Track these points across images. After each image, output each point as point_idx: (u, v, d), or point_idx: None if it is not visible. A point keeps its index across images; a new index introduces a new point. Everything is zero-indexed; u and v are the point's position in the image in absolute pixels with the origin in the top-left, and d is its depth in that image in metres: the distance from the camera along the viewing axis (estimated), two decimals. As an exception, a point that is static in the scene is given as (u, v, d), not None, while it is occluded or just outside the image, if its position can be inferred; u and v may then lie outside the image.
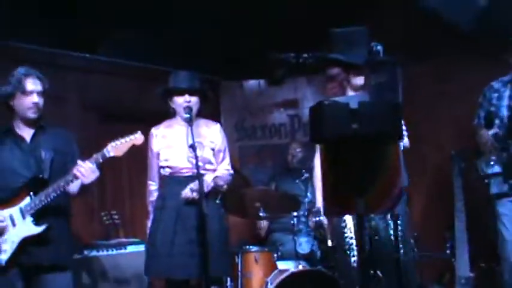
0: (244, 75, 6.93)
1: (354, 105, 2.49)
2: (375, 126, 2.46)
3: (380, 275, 3.69)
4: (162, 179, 4.52)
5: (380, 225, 4.00)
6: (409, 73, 3.47)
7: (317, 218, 4.27)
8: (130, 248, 5.11)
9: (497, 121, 4.71)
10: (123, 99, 6.13)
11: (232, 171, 4.63)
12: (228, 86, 6.89)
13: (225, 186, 4.52)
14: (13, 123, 4.01)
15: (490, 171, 4.57)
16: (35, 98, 3.92)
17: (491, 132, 4.71)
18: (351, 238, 3.94)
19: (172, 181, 4.40)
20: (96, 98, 5.88)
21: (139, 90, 6.25)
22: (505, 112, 4.68)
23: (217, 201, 4.46)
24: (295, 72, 6.68)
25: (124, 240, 5.23)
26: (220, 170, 4.54)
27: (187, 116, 4.26)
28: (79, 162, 3.80)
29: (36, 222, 3.83)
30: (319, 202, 4.25)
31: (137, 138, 3.89)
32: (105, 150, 3.82)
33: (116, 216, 5.37)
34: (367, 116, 2.46)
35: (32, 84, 3.92)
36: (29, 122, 4.00)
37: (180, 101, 4.37)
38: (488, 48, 4.73)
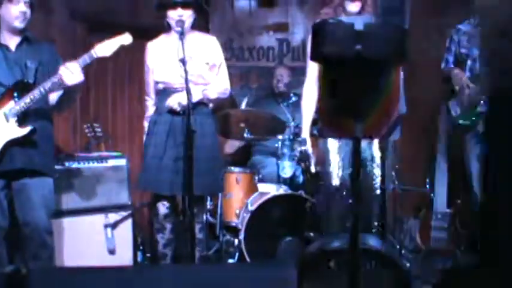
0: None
1: (359, 26, 2.41)
2: (379, 48, 2.39)
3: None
4: (157, 93, 4.46)
5: (367, 155, 4.01)
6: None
7: (303, 148, 4.24)
8: (112, 162, 5.04)
9: (469, 62, 4.76)
10: (114, 10, 5.96)
11: (228, 87, 4.56)
12: (218, 4, 6.74)
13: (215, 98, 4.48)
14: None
15: (479, 109, 4.57)
16: (22, 7, 3.83)
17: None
18: (331, 159, 3.96)
19: (166, 95, 4.34)
20: (85, 8, 5.70)
21: (132, 3, 6.08)
22: (476, 52, 4.71)
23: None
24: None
25: (105, 153, 5.16)
26: (215, 84, 4.46)
27: (179, 29, 4.17)
28: (66, 63, 3.73)
29: (20, 125, 3.77)
30: (306, 131, 4.22)
31: (125, 38, 3.85)
32: (92, 50, 3.78)
33: (99, 129, 5.29)
34: (372, 38, 2.38)
35: None
36: (14, 31, 3.91)
37: (173, 15, 4.28)
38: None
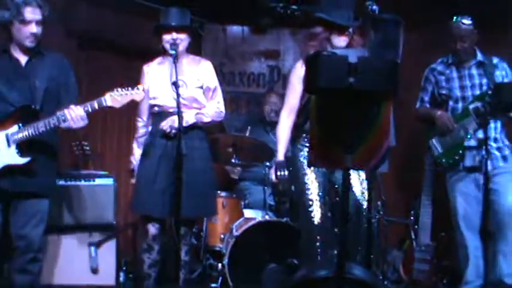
0: (228, 20, 6.82)
1: (352, 59, 2.46)
2: (371, 82, 2.44)
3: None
4: (152, 116, 4.49)
5: (354, 185, 4.03)
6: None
7: (281, 173, 4.23)
8: (99, 181, 5.06)
9: (451, 102, 4.80)
10: (106, 30, 6.00)
11: (223, 110, 4.59)
12: (211, 29, 6.79)
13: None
14: (10, 45, 3.95)
15: (466, 143, 4.63)
16: (34, 28, 3.86)
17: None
18: (311, 194, 3.97)
19: (161, 118, 4.37)
20: (79, 25, 5.74)
21: (123, 24, 6.13)
22: (458, 93, 4.77)
23: None
24: (281, 23, 6.67)
25: (93, 172, 5.17)
26: (209, 106, 4.50)
27: (173, 52, 4.21)
28: (72, 106, 3.77)
29: (21, 154, 3.80)
30: (281, 155, 4.23)
31: (138, 93, 3.87)
32: (102, 98, 3.83)
33: (87, 148, 5.30)
34: (365, 71, 2.43)
35: (31, 14, 3.83)
36: (25, 49, 3.94)
37: (167, 38, 4.33)
38: (478, 18, 4.72)
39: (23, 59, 3.97)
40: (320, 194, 3.96)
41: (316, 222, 3.91)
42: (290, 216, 5.09)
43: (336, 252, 3.64)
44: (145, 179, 4.36)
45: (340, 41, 3.97)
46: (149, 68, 4.52)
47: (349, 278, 2.58)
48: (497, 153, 4.64)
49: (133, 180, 4.51)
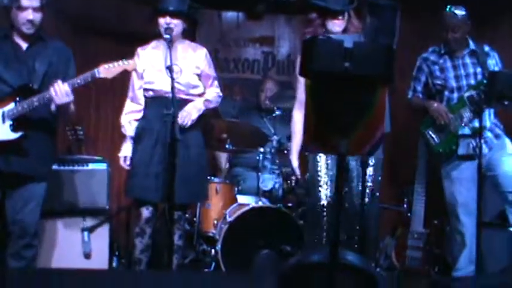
0: (224, 6, 6.79)
1: (348, 44, 2.45)
2: (367, 67, 2.43)
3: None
4: (146, 100, 4.48)
5: (354, 171, 4.04)
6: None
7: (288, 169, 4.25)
8: (92, 166, 5.05)
9: (446, 93, 4.80)
10: (101, 14, 5.96)
11: (221, 94, 4.65)
12: (206, 15, 6.75)
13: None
14: (11, 30, 3.96)
15: (460, 132, 4.64)
16: (30, 15, 3.86)
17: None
18: (320, 176, 3.99)
19: (156, 103, 4.38)
20: (72, 10, 5.71)
21: (119, 8, 6.09)
22: (453, 83, 4.77)
23: None
24: (276, 9, 6.65)
25: (86, 156, 5.16)
26: (210, 92, 4.52)
27: (167, 37, 4.20)
28: (58, 82, 3.76)
29: (14, 129, 3.79)
30: (294, 158, 4.28)
31: (130, 64, 3.94)
32: (96, 70, 3.84)
33: (81, 132, 5.29)
34: (361, 56, 2.42)
35: (28, 0, 3.83)
36: (25, 35, 3.95)
37: (162, 22, 4.32)
38: (476, 7, 4.73)
39: (23, 44, 3.98)
40: (329, 178, 3.97)
41: (323, 205, 3.92)
42: (283, 202, 5.10)
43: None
44: (139, 163, 4.37)
45: (335, 25, 3.96)
46: (144, 51, 4.50)
47: (343, 263, 2.58)
48: (490, 134, 4.69)
49: (125, 165, 4.51)
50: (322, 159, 4.02)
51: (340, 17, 3.96)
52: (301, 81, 4.15)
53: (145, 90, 4.44)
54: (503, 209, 4.79)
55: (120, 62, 3.89)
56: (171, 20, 4.31)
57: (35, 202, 4.00)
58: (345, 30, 4.00)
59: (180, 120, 4.23)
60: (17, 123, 3.81)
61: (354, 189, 4.01)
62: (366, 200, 3.93)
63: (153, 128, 4.36)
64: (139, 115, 4.50)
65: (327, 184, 3.99)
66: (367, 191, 3.99)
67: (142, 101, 4.50)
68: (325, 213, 3.96)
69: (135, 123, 4.50)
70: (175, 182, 3.88)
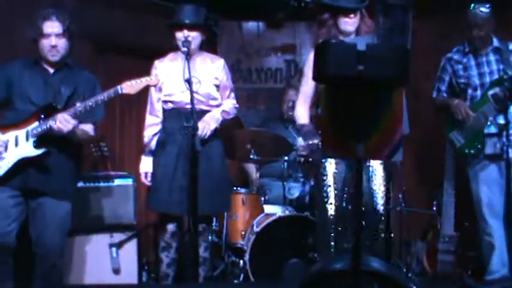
0: (243, 16, 6.79)
1: (361, 47, 2.42)
2: (381, 69, 2.39)
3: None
4: (165, 112, 4.48)
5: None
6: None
7: (312, 141, 4.11)
8: (118, 181, 5.06)
9: (470, 91, 4.75)
10: (121, 31, 6.00)
11: (237, 105, 4.65)
12: (226, 26, 6.77)
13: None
14: (41, 59, 4.04)
15: (486, 131, 4.57)
16: (53, 41, 3.94)
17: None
18: (329, 186, 3.92)
19: (175, 115, 4.38)
20: (93, 28, 5.75)
21: (139, 24, 6.13)
22: (476, 81, 4.72)
23: None
24: (295, 16, 6.63)
25: (112, 173, 5.18)
26: (227, 104, 4.53)
27: (185, 49, 4.20)
28: (61, 114, 3.80)
29: (37, 145, 3.84)
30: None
31: (153, 80, 3.95)
32: (119, 87, 3.87)
33: (105, 148, 5.31)
34: (374, 59, 2.38)
35: (49, 27, 3.94)
36: (51, 63, 4.02)
37: (179, 36, 4.33)
38: (494, 6, 4.66)
39: (51, 69, 4.06)
40: (338, 186, 3.90)
41: (331, 215, 3.86)
42: (310, 210, 5.05)
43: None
44: (162, 177, 4.36)
45: (347, 25, 3.91)
46: (161, 64, 4.50)
47: (366, 270, 2.54)
48: None
49: (147, 181, 4.51)
50: (329, 171, 3.94)
51: (352, 16, 3.91)
52: (306, 75, 4.12)
53: (165, 102, 4.44)
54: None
55: (143, 79, 3.91)
56: (189, 32, 4.31)
57: (58, 222, 3.98)
58: (357, 30, 3.95)
59: (198, 131, 4.23)
60: (40, 141, 3.84)
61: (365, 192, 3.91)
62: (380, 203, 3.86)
63: (174, 141, 4.36)
64: (158, 128, 4.50)
65: (335, 195, 3.90)
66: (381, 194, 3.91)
67: (160, 113, 4.49)
68: (333, 226, 3.88)
69: (155, 138, 4.50)
70: (198, 194, 3.87)
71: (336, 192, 3.88)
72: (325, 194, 3.89)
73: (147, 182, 4.52)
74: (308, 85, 4.09)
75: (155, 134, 4.51)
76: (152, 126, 4.52)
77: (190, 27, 4.33)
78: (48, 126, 3.80)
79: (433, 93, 4.97)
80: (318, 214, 4.08)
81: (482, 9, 4.59)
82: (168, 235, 4.40)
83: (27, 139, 3.85)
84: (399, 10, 2.59)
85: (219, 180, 4.41)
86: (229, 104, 4.57)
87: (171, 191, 4.30)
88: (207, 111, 4.41)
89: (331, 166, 3.93)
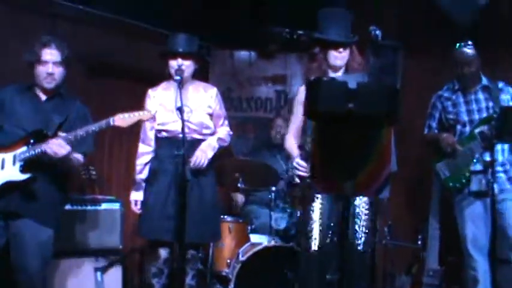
0: (235, 45, 6.86)
1: (352, 84, 2.47)
2: (370, 107, 2.45)
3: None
4: (158, 140, 4.49)
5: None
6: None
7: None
8: (105, 206, 5.07)
9: (459, 127, 4.82)
10: (112, 55, 6.04)
11: (231, 132, 4.67)
12: (218, 54, 6.83)
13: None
14: (34, 85, 4.05)
15: (472, 168, 4.62)
16: (50, 68, 3.96)
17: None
18: (314, 222, 3.93)
19: (168, 143, 4.38)
20: (85, 51, 5.79)
21: (130, 48, 6.17)
22: (465, 117, 4.80)
23: None
24: (287, 48, 6.70)
25: (99, 196, 5.19)
26: (222, 131, 4.57)
27: (178, 78, 4.22)
28: (54, 139, 3.79)
29: (23, 170, 3.82)
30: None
31: (146, 115, 3.91)
32: (111, 118, 3.82)
33: (93, 172, 5.32)
34: (364, 97, 2.44)
35: (48, 55, 3.96)
36: (46, 90, 4.04)
37: (173, 64, 4.36)
38: (483, 44, 4.76)
39: (43, 96, 4.07)
40: (323, 221, 3.92)
41: (314, 250, 3.88)
42: (296, 241, 5.06)
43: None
44: (154, 204, 4.35)
45: (337, 59, 3.95)
46: (155, 92, 4.52)
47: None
48: (503, 175, 4.64)
49: (136, 209, 4.51)
50: (315, 205, 3.94)
51: (341, 50, 3.95)
52: (296, 107, 4.16)
53: (158, 131, 4.45)
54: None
55: (136, 113, 3.87)
56: (183, 61, 4.34)
57: (39, 247, 3.91)
58: (347, 66, 4.01)
59: (196, 159, 4.27)
60: (27, 166, 3.83)
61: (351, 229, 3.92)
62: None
63: (166, 169, 4.35)
64: (150, 156, 4.50)
65: (319, 230, 3.91)
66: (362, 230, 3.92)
67: (153, 142, 4.50)
68: (316, 260, 3.89)
69: (147, 166, 4.51)
70: (188, 222, 3.89)
71: (320, 227, 3.89)
72: (309, 228, 3.91)
73: (136, 210, 4.50)
74: (298, 117, 4.14)
75: (147, 163, 4.51)
76: (144, 155, 4.52)
77: (184, 56, 4.35)
78: (38, 151, 3.78)
79: (425, 130, 5.05)
80: (302, 247, 4.08)
81: (468, 47, 4.69)
82: (161, 262, 4.39)
83: (13, 163, 3.83)
84: (390, 50, 2.65)
85: (210, 209, 4.41)
86: (224, 131, 4.59)
87: (163, 218, 4.28)
88: (200, 140, 4.43)
89: (317, 200, 3.96)
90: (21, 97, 4.03)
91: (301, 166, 3.91)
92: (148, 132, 4.50)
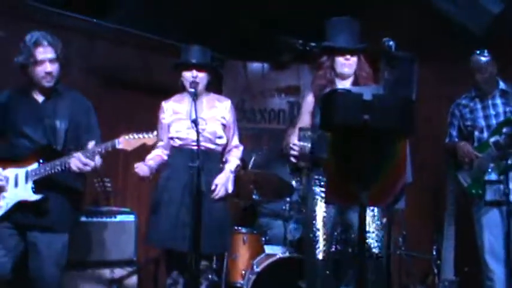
0: (249, 57, 6.89)
1: (367, 96, 2.48)
2: (386, 119, 2.46)
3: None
4: (171, 149, 4.47)
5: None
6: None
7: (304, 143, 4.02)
8: (120, 217, 5.10)
9: (476, 133, 4.84)
10: (127, 67, 6.08)
11: (241, 146, 4.63)
12: (232, 66, 6.86)
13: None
14: (29, 86, 3.99)
15: (487, 177, 4.61)
16: (48, 67, 3.89)
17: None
18: (318, 230, 3.93)
19: (182, 153, 4.35)
20: (100, 64, 5.84)
21: (144, 61, 6.21)
22: (482, 123, 4.83)
23: None
24: (300, 59, 6.72)
25: (114, 208, 5.22)
26: (236, 154, 4.55)
27: (192, 90, 4.23)
28: (79, 155, 3.75)
29: (35, 190, 3.83)
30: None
31: (151, 138, 3.85)
32: (116, 140, 3.77)
33: (109, 184, 5.35)
34: (380, 109, 2.45)
35: (43, 53, 3.87)
36: (44, 89, 3.98)
37: (188, 76, 4.35)
38: (496, 54, 4.77)
39: (39, 98, 3.99)
40: (327, 230, 3.92)
41: (318, 258, 3.88)
42: (301, 251, 5.07)
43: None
44: (166, 213, 4.30)
45: (343, 67, 3.97)
46: (168, 104, 4.51)
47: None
48: None
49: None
50: (319, 213, 3.97)
51: (348, 57, 3.97)
52: (302, 112, 4.18)
53: (172, 139, 4.42)
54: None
55: (141, 135, 3.81)
56: (197, 72, 4.34)
57: (55, 256, 3.92)
58: (355, 75, 4.02)
59: (217, 193, 4.27)
60: (39, 185, 3.83)
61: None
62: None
63: (180, 179, 4.31)
64: (164, 155, 4.49)
65: (323, 239, 3.91)
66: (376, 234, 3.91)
67: (168, 151, 4.49)
68: (321, 269, 3.89)
69: (159, 158, 4.49)
70: (201, 232, 3.90)
71: (324, 236, 3.90)
72: (313, 237, 3.91)
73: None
74: (303, 122, 4.14)
75: (159, 156, 4.48)
76: (158, 155, 4.50)
77: (198, 67, 4.35)
78: (53, 170, 3.77)
79: (446, 139, 5.06)
80: (307, 256, 4.08)
81: (483, 55, 4.72)
82: (176, 272, 4.38)
83: (26, 181, 3.83)
84: (405, 62, 2.66)
85: (220, 220, 4.39)
86: (238, 153, 4.57)
87: (176, 227, 4.24)
88: (213, 150, 4.41)
89: (320, 209, 3.97)
90: (16, 103, 3.97)
91: (295, 146, 3.89)
92: (163, 140, 4.48)
